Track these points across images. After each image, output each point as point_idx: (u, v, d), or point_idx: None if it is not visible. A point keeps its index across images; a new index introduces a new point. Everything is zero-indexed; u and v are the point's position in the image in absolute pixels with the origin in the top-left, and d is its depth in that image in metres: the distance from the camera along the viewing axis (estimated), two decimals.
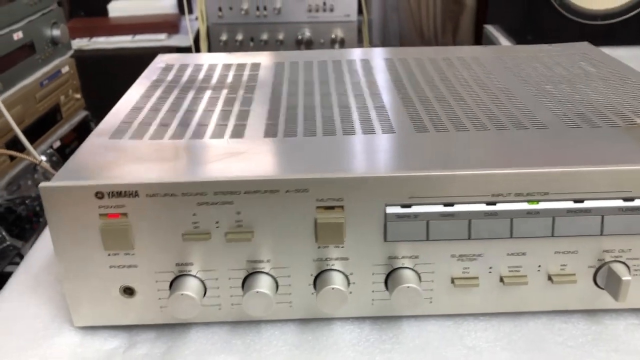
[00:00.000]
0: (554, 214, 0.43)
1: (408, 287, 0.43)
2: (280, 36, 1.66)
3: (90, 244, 0.42)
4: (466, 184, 0.42)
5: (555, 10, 1.22)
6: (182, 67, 0.68)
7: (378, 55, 0.71)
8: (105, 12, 1.75)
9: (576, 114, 0.52)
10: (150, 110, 0.55)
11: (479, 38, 1.65)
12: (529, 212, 0.42)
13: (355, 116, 0.52)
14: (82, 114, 1.37)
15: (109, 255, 0.43)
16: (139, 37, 1.64)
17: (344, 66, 0.67)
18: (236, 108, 0.55)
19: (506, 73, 0.63)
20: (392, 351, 0.44)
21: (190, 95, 0.59)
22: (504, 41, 1.30)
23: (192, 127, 0.51)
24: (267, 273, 0.44)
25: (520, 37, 1.28)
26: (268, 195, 0.41)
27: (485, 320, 0.47)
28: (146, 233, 0.42)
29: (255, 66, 0.68)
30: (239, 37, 1.66)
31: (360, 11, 1.71)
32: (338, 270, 0.44)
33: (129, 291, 0.44)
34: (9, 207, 1.04)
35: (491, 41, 1.36)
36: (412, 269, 0.44)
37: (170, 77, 0.65)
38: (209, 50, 1.68)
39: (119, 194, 0.41)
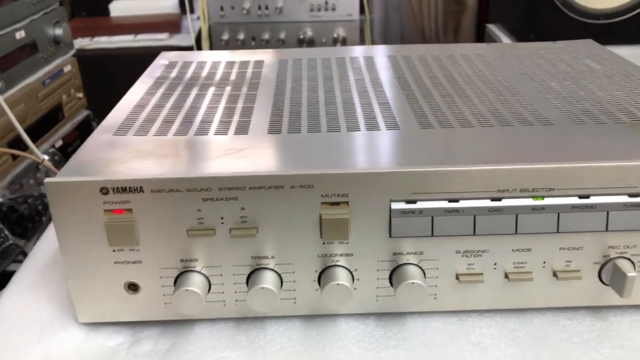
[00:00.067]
0: (559, 210, 0.42)
1: (413, 283, 0.43)
2: (282, 35, 1.66)
3: (94, 240, 0.42)
4: (471, 180, 0.42)
5: (557, 9, 1.22)
6: (186, 65, 0.68)
7: (381, 53, 0.71)
8: (107, 12, 1.76)
9: (581, 111, 0.51)
10: (154, 107, 0.55)
11: (481, 38, 1.65)
12: (534, 208, 0.42)
13: (359, 112, 0.52)
14: (84, 113, 1.37)
15: (113, 251, 0.43)
16: (140, 36, 1.64)
17: (348, 63, 0.67)
18: (240, 105, 0.55)
19: (510, 70, 0.63)
20: (396, 347, 0.44)
21: (194, 92, 0.59)
22: (505, 40, 1.30)
23: (196, 124, 0.51)
24: (271, 269, 0.44)
25: (522, 36, 1.28)
26: (273, 191, 0.41)
27: (490, 316, 0.47)
28: (151, 229, 0.42)
29: (259, 63, 0.68)
30: (241, 36, 1.66)
31: (362, 10, 1.71)
32: (343, 266, 0.44)
33: (133, 287, 0.44)
34: (11, 206, 1.04)
35: (493, 40, 1.35)
36: (417, 265, 0.44)
37: (173, 74, 0.65)
38: (211, 49, 1.68)
39: (124, 190, 0.41)
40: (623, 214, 0.43)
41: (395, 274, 0.44)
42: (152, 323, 0.47)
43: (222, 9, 1.64)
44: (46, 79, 1.19)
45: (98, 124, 1.42)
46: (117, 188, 0.41)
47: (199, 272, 0.44)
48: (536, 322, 0.46)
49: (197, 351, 0.44)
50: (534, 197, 0.42)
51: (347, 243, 0.43)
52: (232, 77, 0.64)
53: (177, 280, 0.44)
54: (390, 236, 0.43)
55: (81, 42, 1.60)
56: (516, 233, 0.43)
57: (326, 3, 1.63)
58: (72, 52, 1.33)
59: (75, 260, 0.43)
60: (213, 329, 0.46)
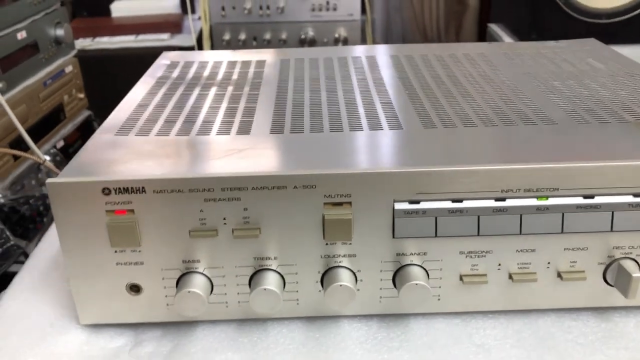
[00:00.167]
0: (563, 210, 0.42)
1: (416, 284, 0.42)
2: (284, 35, 1.65)
3: (96, 241, 0.42)
4: (475, 180, 0.41)
5: (559, 9, 1.22)
6: (187, 64, 0.68)
7: (384, 52, 0.71)
8: (108, 12, 1.75)
9: (585, 110, 0.51)
10: (156, 107, 0.55)
11: (483, 38, 1.64)
12: (539, 208, 0.42)
13: (362, 112, 0.52)
14: (86, 113, 1.37)
15: (115, 252, 0.43)
16: (141, 37, 1.64)
17: (350, 63, 0.67)
18: (242, 104, 0.55)
19: (513, 69, 0.63)
20: (400, 349, 0.44)
21: (196, 92, 0.59)
22: (508, 40, 1.29)
23: (198, 124, 0.51)
24: (274, 270, 0.44)
25: (524, 36, 1.28)
26: (275, 192, 0.41)
27: (494, 317, 0.46)
28: (153, 229, 0.42)
29: (261, 63, 0.68)
30: (242, 36, 1.65)
31: (363, 10, 1.70)
32: (346, 267, 0.44)
33: (135, 288, 0.44)
34: (12, 206, 1.04)
35: (495, 40, 1.35)
36: (420, 266, 0.44)
37: (175, 74, 0.65)
38: (212, 49, 1.67)
39: (126, 190, 0.41)
40: (628, 214, 0.42)
41: (398, 275, 0.44)
42: (154, 324, 0.46)
43: (223, 9, 1.64)
44: (47, 80, 1.19)
45: (99, 124, 1.41)
46: (119, 188, 0.41)
47: (201, 273, 0.44)
48: (541, 323, 0.46)
49: (199, 353, 0.44)
50: (538, 197, 0.42)
51: (350, 244, 0.43)
52: (234, 77, 0.63)
53: (179, 281, 0.44)
54: (393, 237, 0.43)
55: (82, 43, 1.60)
56: (520, 233, 0.43)
57: (327, 3, 1.63)
58: (74, 52, 1.33)
59: (77, 261, 0.43)
60: (215, 331, 0.46)
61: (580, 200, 0.42)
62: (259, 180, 0.41)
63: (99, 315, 0.45)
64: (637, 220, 0.43)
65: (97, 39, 1.64)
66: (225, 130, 0.49)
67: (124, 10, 1.75)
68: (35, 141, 0.96)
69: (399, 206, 0.42)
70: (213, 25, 1.66)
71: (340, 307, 0.43)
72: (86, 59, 1.43)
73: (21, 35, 1.12)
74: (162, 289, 0.44)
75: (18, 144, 1.05)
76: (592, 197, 0.42)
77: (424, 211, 0.42)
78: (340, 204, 0.42)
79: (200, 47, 1.64)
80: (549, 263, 0.44)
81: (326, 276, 0.44)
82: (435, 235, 0.43)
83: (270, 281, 0.43)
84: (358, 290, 0.44)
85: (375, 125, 0.49)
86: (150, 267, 0.43)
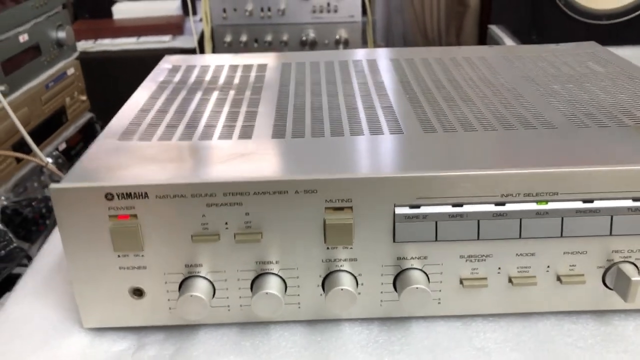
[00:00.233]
0: (563, 214, 0.42)
1: (417, 288, 0.43)
2: (285, 37, 1.66)
3: (99, 245, 0.43)
4: (475, 185, 0.42)
5: (559, 10, 1.22)
6: (189, 69, 0.68)
7: (384, 56, 0.71)
8: (109, 14, 1.76)
9: (584, 114, 0.51)
10: (158, 112, 0.55)
11: (483, 39, 1.65)
12: (538, 213, 0.42)
13: (362, 117, 0.52)
14: (88, 115, 1.38)
15: (118, 256, 0.43)
16: (143, 38, 1.64)
17: (351, 67, 0.68)
18: (244, 109, 0.55)
19: (513, 73, 0.63)
20: (401, 352, 0.44)
21: (198, 96, 0.59)
22: (508, 41, 1.29)
23: (200, 128, 0.51)
24: (276, 274, 0.44)
25: (524, 37, 1.28)
26: (277, 196, 0.41)
27: (494, 321, 0.47)
28: (155, 234, 0.42)
29: (262, 67, 0.68)
30: (243, 38, 1.66)
31: (364, 12, 1.71)
32: (347, 271, 0.44)
33: (138, 292, 0.45)
34: (15, 209, 1.05)
35: (495, 41, 1.35)
36: (421, 270, 0.44)
37: (177, 78, 0.65)
38: (213, 51, 1.68)
39: (129, 195, 0.41)
40: (627, 218, 0.43)
41: (399, 279, 0.44)
42: (156, 328, 0.47)
43: (224, 11, 1.64)
44: (49, 82, 1.20)
45: (101, 126, 1.42)
46: (122, 194, 0.41)
47: (204, 277, 0.44)
48: (540, 326, 0.46)
49: (202, 356, 0.44)
50: (537, 201, 0.42)
51: (351, 248, 0.43)
52: (236, 81, 0.64)
53: (182, 285, 0.44)
54: (394, 241, 0.43)
55: (84, 45, 1.60)
56: (520, 237, 0.43)
57: (328, 5, 1.63)
58: (76, 54, 1.33)
59: (80, 265, 0.43)
60: (217, 334, 0.46)
61: (579, 205, 0.42)
62: (261, 186, 0.41)
63: (102, 318, 0.46)
64: (636, 224, 0.43)
65: (99, 41, 1.64)
66: (227, 134, 0.50)
67: (126, 12, 1.75)
68: (38, 144, 0.97)
69: (399, 211, 0.42)
70: (214, 27, 1.66)
71: (342, 311, 0.44)
72: (88, 61, 1.43)
73: (23, 37, 1.12)
74: (164, 293, 0.45)
75: (20, 146, 1.05)
76: (591, 201, 0.42)
77: (425, 216, 0.42)
78: (341, 208, 0.42)
79: (201, 49, 1.64)
80: (548, 267, 0.45)
81: (327, 280, 0.44)
82: (436, 240, 0.43)
83: (272, 285, 0.43)
84: (359, 294, 0.45)
85: (376, 130, 0.49)
86: (152, 271, 0.44)
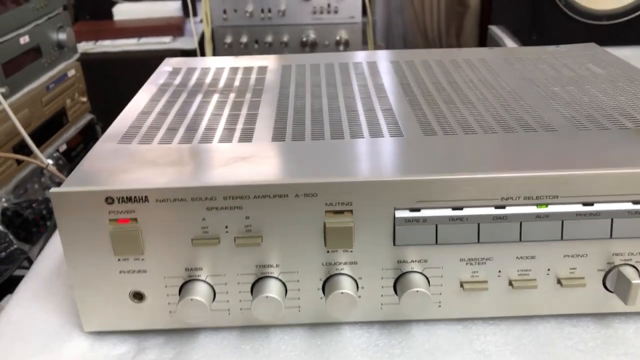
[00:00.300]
0: (563, 217, 0.42)
1: (417, 291, 0.43)
2: (285, 38, 1.66)
3: (100, 249, 0.43)
4: (475, 188, 0.42)
5: (560, 11, 1.22)
6: (189, 71, 0.68)
7: (385, 58, 0.71)
8: (110, 15, 1.76)
9: (584, 116, 0.51)
10: (159, 115, 0.55)
11: (483, 39, 1.64)
12: (538, 216, 0.42)
13: (363, 119, 0.52)
14: (88, 117, 1.38)
15: (118, 260, 0.43)
16: (144, 39, 1.64)
17: (351, 69, 0.68)
18: (244, 112, 0.55)
19: (513, 75, 0.63)
20: (401, 356, 0.44)
21: (198, 99, 0.59)
22: (508, 42, 1.29)
23: (200, 131, 0.51)
24: (276, 278, 0.44)
25: (525, 37, 1.28)
26: (277, 200, 0.41)
27: (494, 324, 0.47)
28: (156, 238, 0.42)
29: (262, 69, 0.68)
30: (244, 39, 1.66)
31: (364, 13, 1.71)
32: (347, 275, 0.44)
33: (138, 296, 0.45)
34: (16, 210, 1.05)
35: (496, 42, 1.35)
36: (421, 273, 0.44)
37: (177, 81, 0.65)
38: (214, 52, 1.68)
39: (129, 199, 0.41)
40: (627, 221, 0.43)
41: (399, 282, 0.44)
42: (157, 332, 0.47)
43: (225, 12, 1.64)
44: (50, 84, 1.20)
45: (102, 127, 1.42)
46: (122, 198, 0.41)
47: (204, 281, 0.44)
48: (541, 329, 0.46)
49: None
50: (538, 204, 0.42)
51: (351, 251, 0.43)
52: (236, 83, 0.64)
53: (182, 289, 0.44)
54: (394, 244, 0.43)
55: (85, 46, 1.60)
56: (520, 241, 0.43)
57: (329, 6, 1.63)
58: (76, 56, 1.33)
59: (81, 269, 0.43)
60: (217, 338, 0.46)
61: (579, 208, 0.42)
62: (261, 189, 0.41)
63: (102, 322, 0.46)
64: (636, 227, 0.43)
65: (100, 42, 1.64)
66: (227, 137, 0.50)
67: (126, 13, 1.75)
68: (38, 145, 0.97)
69: (399, 214, 0.42)
70: (215, 28, 1.66)
71: (342, 315, 0.44)
72: (88, 63, 1.43)
73: (24, 39, 1.12)
74: (164, 297, 0.45)
75: (21, 148, 1.05)
76: (591, 204, 0.42)
77: (425, 219, 0.42)
78: (341, 212, 0.42)
79: (202, 50, 1.64)
80: (548, 270, 0.45)
81: (327, 283, 0.44)
82: (436, 243, 0.43)
83: (272, 289, 0.43)
84: (359, 297, 0.45)
85: (376, 133, 0.49)
86: (153, 275, 0.44)
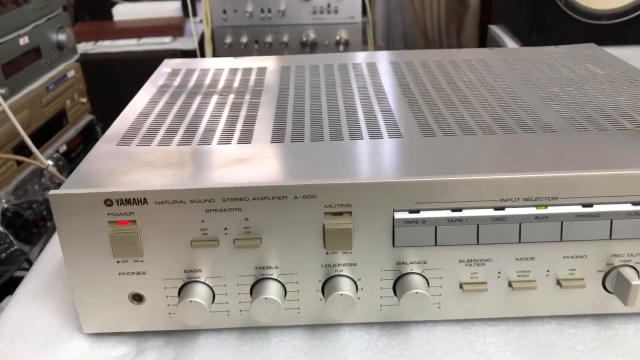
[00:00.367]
0: (562, 218, 0.42)
1: (416, 292, 0.43)
2: (285, 38, 1.66)
3: (99, 251, 0.43)
4: (474, 189, 0.42)
5: (560, 11, 1.22)
6: (189, 72, 0.68)
7: (384, 59, 0.71)
8: (110, 16, 1.76)
9: (584, 117, 0.51)
10: (158, 116, 0.55)
11: (483, 39, 1.64)
12: (538, 217, 0.42)
13: (362, 120, 0.52)
14: (88, 117, 1.38)
15: (118, 262, 0.43)
16: (144, 40, 1.64)
17: (350, 70, 0.67)
18: (243, 113, 0.55)
19: (513, 75, 0.63)
20: (401, 357, 0.44)
21: (197, 100, 0.59)
22: (508, 41, 1.29)
23: (199, 133, 0.51)
24: (275, 279, 0.44)
25: (525, 37, 1.28)
26: (276, 202, 0.41)
27: (494, 325, 0.47)
28: (155, 240, 0.42)
29: (262, 70, 0.68)
30: (244, 39, 1.66)
31: (364, 12, 1.71)
32: (346, 276, 0.44)
33: (137, 298, 0.45)
34: (16, 211, 1.05)
35: (496, 42, 1.35)
36: (421, 275, 0.44)
37: (176, 82, 0.65)
38: (214, 53, 1.68)
39: (128, 202, 0.41)
40: (627, 222, 0.43)
41: (399, 284, 0.44)
42: (156, 333, 0.47)
43: (224, 12, 1.64)
44: (50, 85, 1.20)
45: (102, 128, 1.41)
46: (121, 200, 0.41)
47: (203, 283, 0.44)
48: (540, 330, 0.46)
49: None
50: (537, 205, 0.42)
51: (350, 253, 0.43)
52: (235, 84, 0.64)
53: (181, 290, 0.44)
54: (393, 246, 0.43)
55: (85, 47, 1.60)
56: (520, 242, 0.43)
57: (328, 5, 1.63)
58: (76, 57, 1.33)
59: (80, 271, 0.43)
60: (217, 339, 0.46)
61: (579, 209, 0.42)
62: (260, 191, 0.41)
63: (101, 324, 0.46)
64: (635, 228, 0.43)
65: (100, 43, 1.64)
66: (226, 139, 0.50)
67: (126, 13, 1.75)
68: (38, 146, 0.97)
69: (398, 215, 0.42)
70: (215, 28, 1.66)
71: (341, 316, 0.44)
72: (88, 63, 1.43)
73: (24, 40, 1.12)
74: (164, 298, 0.45)
75: (21, 149, 1.05)
76: (590, 205, 0.42)
77: (424, 220, 0.42)
78: (340, 213, 0.42)
79: (202, 50, 1.64)
80: (548, 271, 0.44)
81: (327, 285, 0.44)
82: (435, 244, 0.43)
83: (272, 290, 0.43)
84: (359, 298, 0.45)
85: (375, 134, 0.49)
86: (152, 277, 0.44)
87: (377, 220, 0.42)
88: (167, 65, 0.71)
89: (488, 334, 0.46)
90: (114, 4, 1.79)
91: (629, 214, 0.42)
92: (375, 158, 0.45)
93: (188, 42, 1.63)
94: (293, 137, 0.49)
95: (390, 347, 0.45)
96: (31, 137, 0.94)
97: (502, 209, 0.42)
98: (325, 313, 0.44)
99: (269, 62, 0.71)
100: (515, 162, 0.44)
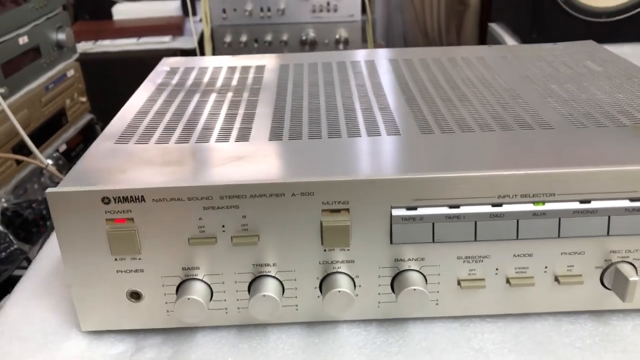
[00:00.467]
0: (560, 215, 0.42)
1: (414, 289, 0.43)
2: (285, 37, 1.66)
3: (97, 249, 0.43)
4: (472, 186, 0.42)
5: (559, 8, 1.22)
6: (187, 71, 0.68)
7: (382, 56, 0.71)
8: (109, 15, 1.76)
9: (582, 114, 0.51)
10: (156, 114, 0.55)
11: (483, 37, 1.64)
12: (535, 214, 0.42)
13: (360, 118, 0.52)
14: (88, 117, 1.38)
15: (115, 260, 0.43)
16: (143, 39, 1.64)
17: (349, 68, 0.67)
18: (241, 111, 0.55)
19: (511, 73, 0.63)
20: (398, 354, 0.44)
21: (196, 98, 0.59)
22: (508, 39, 1.29)
23: (197, 131, 0.51)
24: (273, 276, 0.44)
25: (525, 35, 1.28)
26: (274, 199, 0.41)
27: (492, 322, 0.47)
28: (152, 238, 0.42)
29: (260, 68, 0.68)
30: (243, 38, 1.66)
31: (364, 11, 1.71)
32: (344, 273, 0.44)
33: (135, 296, 0.45)
34: (15, 210, 1.05)
35: (496, 40, 1.35)
36: (418, 271, 0.44)
37: (175, 80, 0.65)
38: (214, 52, 1.68)
39: (125, 199, 0.41)
40: (624, 219, 0.43)
41: (396, 280, 0.44)
42: (154, 331, 0.47)
43: (224, 11, 1.64)
44: (49, 84, 1.20)
45: (102, 127, 1.42)
46: (119, 197, 0.41)
47: (201, 280, 0.44)
48: (538, 327, 0.46)
49: (200, 359, 0.44)
50: (534, 202, 0.42)
51: (348, 250, 0.43)
52: (234, 82, 0.64)
53: (179, 288, 0.44)
54: (391, 243, 0.43)
55: (84, 46, 1.60)
56: (517, 238, 0.43)
57: (328, 4, 1.63)
58: (75, 56, 1.33)
59: (78, 269, 0.43)
60: (215, 337, 0.46)
61: (576, 205, 0.42)
62: (257, 188, 0.41)
63: (99, 322, 0.46)
64: (633, 224, 0.43)
65: (99, 42, 1.64)
66: (224, 137, 0.50)
67: (126, 13, 1.75)
68: (38, 145, 0.97)
69: (396, 212, 0.42)
70: (214, 27, 1.66)
71: (339, 313, 0.44)
72: (88, 62, 1.43)
73: (23, 40, 1.12)
74: (162, 296, 0.45)
75: (21, 148, 1.05)
76: (588, 201, 0.42)
77: (421, 217, 0.42)
78: (338, 210, 0.42)
79: (201, 49, 1.64)
80: (546, 267, 0.44)
81: (325, 282, 0.44)
82: (433, 241, 0.43)
83: (269, 287, 0.43)
84: (356, 295, 0.45)
85: (373, 131, 0.49)
86: (150, 275, 0.44)
87: (375, 217, 0.42)
88: (166, 64, 0.71)
89: (486, 330, 0.46)
90: (114, 3, 1.79)
91: (627, 210, 0.42)
92: (373, 155, 0.45)
93: (188, 41, 1.63)
94: (291, 135, 0.49)
95: (388, 344, 0.45)
96: (31, 136, 0.94)
97: (500, 205, 0.42)
98: (323, 310, 0.44)
99: (268, 60, 0.71)
100: (513, 158, 0.44)
